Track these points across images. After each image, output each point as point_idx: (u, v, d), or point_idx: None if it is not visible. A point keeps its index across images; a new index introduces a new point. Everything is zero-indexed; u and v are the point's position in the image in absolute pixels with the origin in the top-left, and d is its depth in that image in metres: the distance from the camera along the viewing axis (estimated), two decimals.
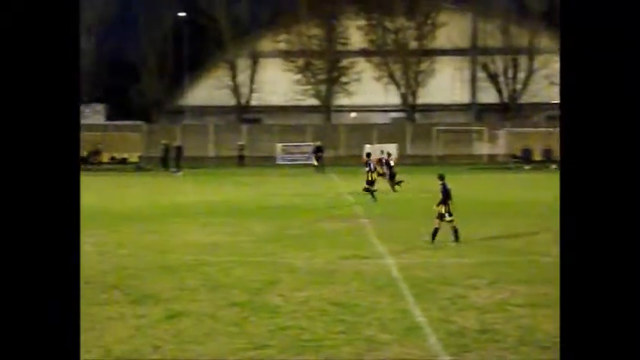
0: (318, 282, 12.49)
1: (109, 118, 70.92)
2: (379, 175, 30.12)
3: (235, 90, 68.90)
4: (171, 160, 51.53)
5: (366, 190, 27.26)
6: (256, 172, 48.76)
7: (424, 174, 36.36)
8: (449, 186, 16.54)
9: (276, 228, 19.72)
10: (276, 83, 66.04)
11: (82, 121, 65.24)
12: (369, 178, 27.37)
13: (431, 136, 60.81)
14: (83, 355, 8.43)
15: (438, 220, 16.32)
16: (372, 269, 13.65)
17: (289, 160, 56.87)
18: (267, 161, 58.07)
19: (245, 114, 69.29)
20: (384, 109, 70.47)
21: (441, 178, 16.63)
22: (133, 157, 52.04)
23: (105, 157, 52.17)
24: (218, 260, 14.62)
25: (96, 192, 31.48)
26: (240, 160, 57.38)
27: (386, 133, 60.38)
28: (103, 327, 9.57)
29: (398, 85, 67.27)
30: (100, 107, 70.63)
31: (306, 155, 52.21)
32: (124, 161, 51.71)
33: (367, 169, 27.77)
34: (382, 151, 34.89)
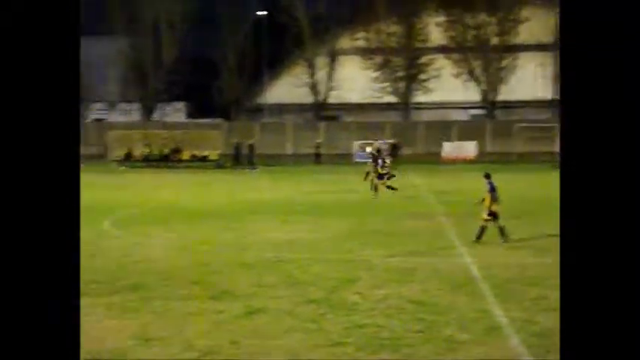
0: (396, 280, 12.41)
1: (189, 116, 72.08)
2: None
3: (313, 88, 69.11)
4: (243, 157, 52.00)
5: (388, 186, 27.37)
6: (333, 170, 48.79)
7: (502, 173, 35.71)
8: (495, 184, 16.41)
9: (353, 225, 19.70)
10: (355, 81, 65.92)
11: (164, 119, 66.63)
12: (382, 172, 27.44)
13: (511, 133, 59.81)
14: (168, 348, 8.59)
15: (486, 219, 16.23)
16: (451, 268, 13.50)
17: (367, 158, 56.71)
18: (345, 159, 58.04)
19: (323, 112, 69.45)
20: (463, 106, 69.68)
21: (487, 176, 16.59)
22: (213, 155, 52.63)
23: (185, 155, 52.88)
24: (296, 257, 14.68)
25: (176, 189, 32.02)
26: (317, 158, 57.48)
27: (465, 130, 59.69)
28: (184, 322, 9.71)
29: (478, 82, 66.40)
30: (180, 105, 71.83)
31: (387, 153, 52.02)
32: (204, 159, 52.35)
33: (378, 163, 27.81)
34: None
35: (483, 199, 16.46)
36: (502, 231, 16.23)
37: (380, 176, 27.63)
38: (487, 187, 16.34)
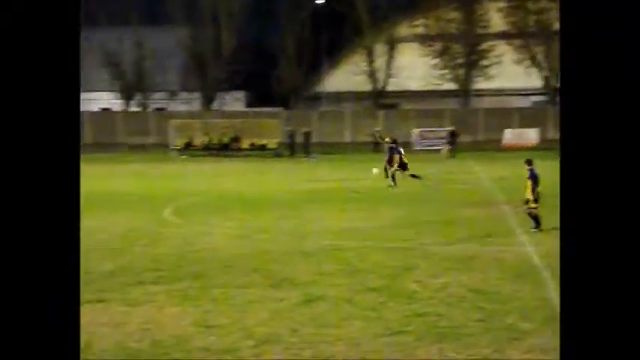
0: (455, 268, 12.30)
1: (249, 104, 72.49)
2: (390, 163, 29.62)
3: (372, 75, 68.82)
4: (298, 146, 52.06)
5: (412, 175, 27.48)
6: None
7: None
8: (537, 171, 16.15)
9: (412, 214, 19.58)
10: (414, 68, 65.44)
11: (224, 108, 67.16)
12: (404, 161, 27.64)
13: None
14: (228, 335, 8.66)
15: (532, 207, 16.12)
16: (511, 256, 13.33)
17: (426, 146, 56.18)
18: (404, 147, 57.68)
19: (381, 99, 69.16)
20: (524, 93, 68.65)
21: (529, 163, 16.42)
22: (272, 144, 52.87)
23: (245, 144, 53.20)
24: (354, 245, 14.65)
25: (235, 178, 32.26)
26: (376, 146, 57.24)
27: (527, 117, 58.82)
28: (243, 309, 9.78)
29: (540, 68, 65.32)
30: (240, 95, 72.27)
31: (443, 140, 51.44)
32: (263, 147, 52.60)
33: (397, 154, 27.89)
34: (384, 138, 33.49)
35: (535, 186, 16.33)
36: (536, 219, 16.06)
37: (403, 165, 27.75)
38: (528, 173, 16.23)
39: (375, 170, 30.62)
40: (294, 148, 52.20)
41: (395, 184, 27.18)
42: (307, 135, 53.06)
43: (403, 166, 27.75)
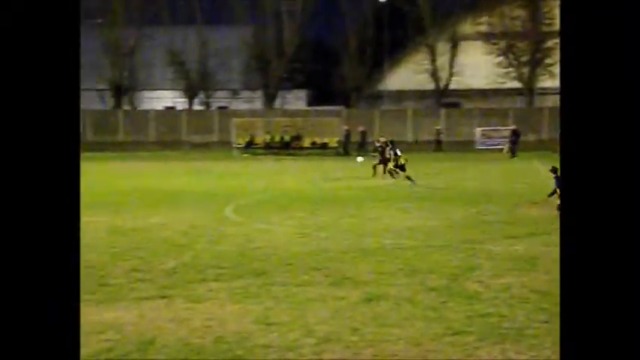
0: (518, 269, 12.14)
1: (310, 103, 72.74)
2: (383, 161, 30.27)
3: (434, 74, 68.40)
4: (354, 145, 52.02)
5: (408, 177, 27.81)
6: (454, 157, 48.22)
7: None
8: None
9: (473, 213, 19.40)
10: (477, 66, 64.84)
11: (285, 107, 67.51)
12: (401, 163, 28.17)
13: None
14: (288, 333, 8.69)
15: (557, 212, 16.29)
16: None
17: (489, 145, 55.69)
18: (466, 146, 57.24)
19: (444, 98, 68.68)
20: None
21: (554, 171, 16.82)
22: (333, 142, 53.00)
23: (306, 142, 53.45)
24: (415, 245, 14.58)
25: (296, 176, 32.37)
26: (438, 145, 56.93)
27: None
28: (304, 307, 9.80)
29: None
30: (302, 93, 72.61)
31: (506, 139, 50.87)
32: (324, 146, 52.76)
33: (390, 155, 28.54)
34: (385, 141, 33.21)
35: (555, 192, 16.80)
36: None
37: (400, 167, 28.36)
38: (554, 182, 16.76)
39: (359, 159, 31.30)
40: (349, 147, 52.24)
41: (394, 177, 28.37)
42: (363, 134, 52.99)
43: (401, 168, 28.39)
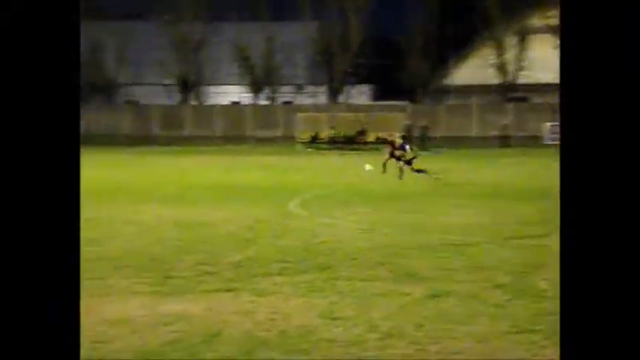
0: None
1: (375, 98, 72.59)
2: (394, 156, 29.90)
3: (501, 68, 67.53)
4: (415, 140, 51.67)
5: (417, 170, 27.79)
6: (521, 153, 47.56)
7: None
8: None
9: (540, 210, 19.11)
10: (546, 60, 63.65)
11: (350, 102, 67.49)
12: (408, 158, 28.22)
13: None
14: (353, 328, 8.71)
15: None
16: None
17: (557, 140, 54.80)
18: (534, 141, 56.40)
19: (511, 93, 67.76)
20: None
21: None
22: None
23: (370, 137, 53.36)
24: (480, 241, 14.45)
25: (360, 171, 32.35)
26: (504, 140, 56.23)
27: None
28: (368, 302, 9.80)
29: None
30: (365, 88, 72.49)
31: None
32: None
33: (401, 150, 28.61)
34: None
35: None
36: None
37: (408, 161, 28.45)
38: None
39: (367, 167, 31.00)
40: (411, 142, 51.97)
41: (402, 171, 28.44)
42: (425, 129, 52.60)
43: (408, 163, 28.51)
